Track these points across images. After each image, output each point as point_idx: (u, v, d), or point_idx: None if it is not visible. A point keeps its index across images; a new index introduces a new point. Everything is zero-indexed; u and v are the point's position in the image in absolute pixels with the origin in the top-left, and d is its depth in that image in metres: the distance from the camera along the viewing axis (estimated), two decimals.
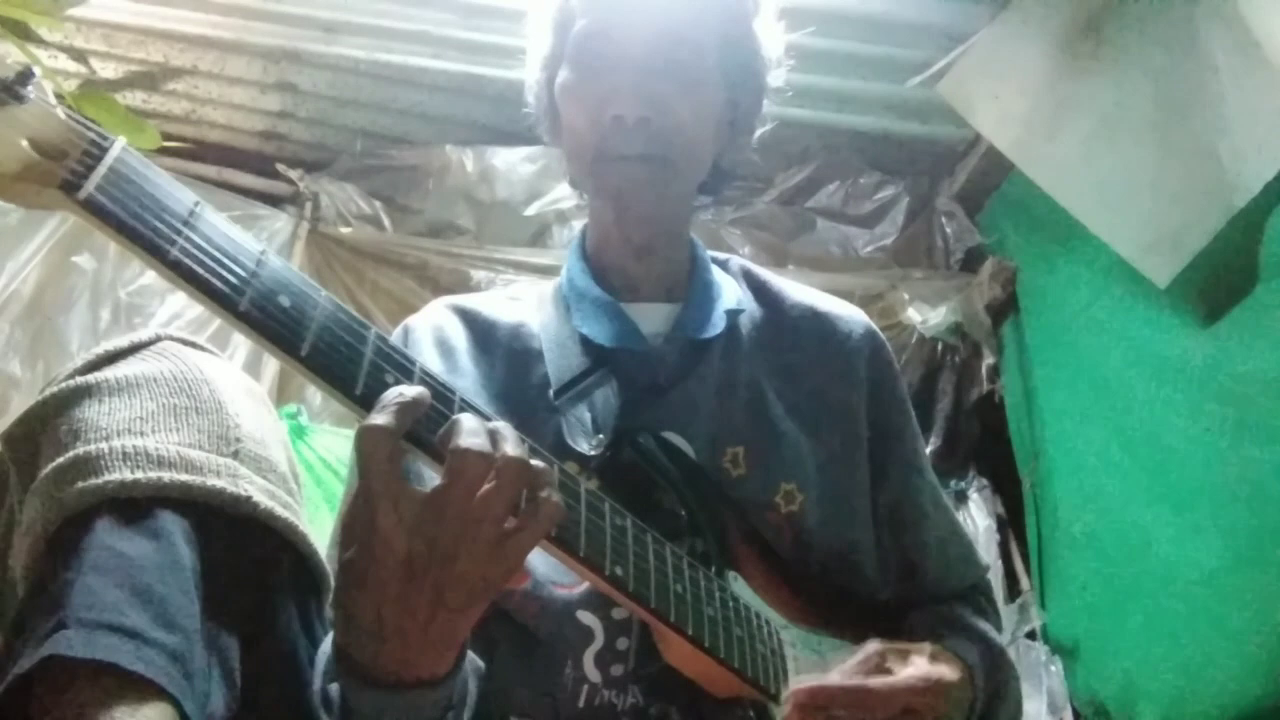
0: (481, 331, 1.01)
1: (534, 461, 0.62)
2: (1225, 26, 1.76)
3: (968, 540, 1.11)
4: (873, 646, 0.83)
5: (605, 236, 1.04)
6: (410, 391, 0.60)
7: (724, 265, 1.11)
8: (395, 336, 1.02)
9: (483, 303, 1.05)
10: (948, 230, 2.80)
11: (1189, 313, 1.96)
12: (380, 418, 0.58)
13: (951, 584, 1.05)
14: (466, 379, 0.96)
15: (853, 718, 0.78)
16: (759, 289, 1.09)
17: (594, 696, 0.84)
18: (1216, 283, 1.88)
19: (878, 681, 0.79)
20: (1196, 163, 1.83)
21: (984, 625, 1.00)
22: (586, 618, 0.86)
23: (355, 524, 0.60)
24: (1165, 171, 1.90)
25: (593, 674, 0.85)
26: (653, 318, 1.01)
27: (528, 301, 1.06)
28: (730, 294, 1.04)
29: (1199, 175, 1.83)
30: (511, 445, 0.61)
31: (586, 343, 0.97)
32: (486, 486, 0.59)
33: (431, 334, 1.00)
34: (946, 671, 0.84)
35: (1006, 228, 2.72)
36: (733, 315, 1.02)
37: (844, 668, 0.81)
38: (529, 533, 0.61)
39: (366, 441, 0.58)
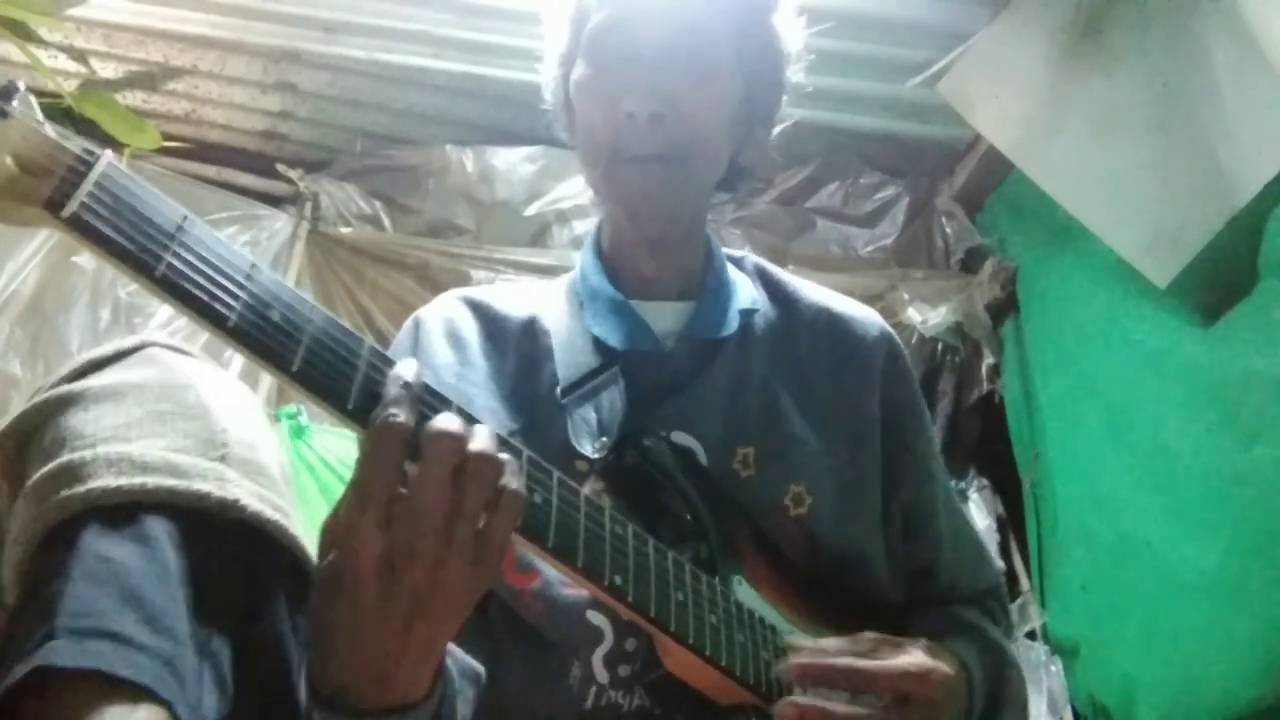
0: (493, 325, 1.00)
1: (502, 455, 0.61)
2: (1225, 26, 1.75)
3: (981, 544, 1.10)
4: (866, 634, 0.83)
5: (620, 235, 1.03)
6: (410, 376, 0.60)
7: (739, 263, 1.09)
8: (406, 328, 1.01)
9: (495, 296, 1.03)
10: (948, 230, 2.79)
11: (1189, 313, 1.95)
12: (401, 415, 0.58)
13: (964, 588, 1.03)
14: (478, 372, 0.95)
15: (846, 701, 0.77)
16: (773, 288, 1.07)
17: (601, 697, 0.84)
18: (1216, 283, 1.87)
19: (872, 663, 0.79)
20: (1196, 163, 1.83)
21: (989, 628, 0.99)
22: (596, 618, 0.85)
23: (335, 525, 0.60)
24: (1165, 171, 1.89)
25: (601, 674, 0.84)
26: (666, 317, 0.99)
27: (540, 297, 1.04)
28: (745, 293, 1.02)
29: (1199, 175, 1.82)
30: (478, 442, 0.60)
31: (598, 342, 0.95)
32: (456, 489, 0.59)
33: (443, 325, 0.99)
34: (941, 664, 0.83)
35: (1006, 228, 2.71)
36: (747, 315, 1.00)
37: (835, 643, 0.81)
38: (497, 525, 0.60)
39: (382, 435, 0.58)
